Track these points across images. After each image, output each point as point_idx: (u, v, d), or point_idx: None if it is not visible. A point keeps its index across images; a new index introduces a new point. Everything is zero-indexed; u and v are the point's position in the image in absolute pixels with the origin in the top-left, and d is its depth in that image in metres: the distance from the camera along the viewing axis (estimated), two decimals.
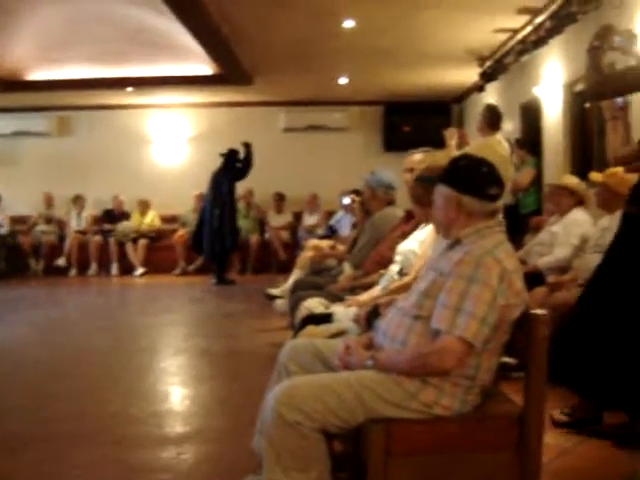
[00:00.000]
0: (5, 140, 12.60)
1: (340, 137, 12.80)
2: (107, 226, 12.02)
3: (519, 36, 7.88)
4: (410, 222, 4.44)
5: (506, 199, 5.82)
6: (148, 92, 11.65)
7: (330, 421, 2.30)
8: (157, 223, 12.37)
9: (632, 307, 3.16)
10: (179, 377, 5.28)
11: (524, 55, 7.95)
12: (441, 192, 2.52)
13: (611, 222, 4.22)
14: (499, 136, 6.54)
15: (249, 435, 2.73)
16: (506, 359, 2.69)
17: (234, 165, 10.39)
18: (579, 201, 5.30)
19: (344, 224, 9.51)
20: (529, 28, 7.49)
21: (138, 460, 3.39)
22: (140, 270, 11.71)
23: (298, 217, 12.41)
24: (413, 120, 12.40)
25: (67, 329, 7.23)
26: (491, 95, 9.93)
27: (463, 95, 12.07)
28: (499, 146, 5.98)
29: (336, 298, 4.32)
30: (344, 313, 3.72)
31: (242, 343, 6.25)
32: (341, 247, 6.80)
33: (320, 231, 10.94)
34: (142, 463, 3.35)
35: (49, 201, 12.41)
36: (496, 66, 8.89)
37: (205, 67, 10.26)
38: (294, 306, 4.58)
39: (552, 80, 7.76)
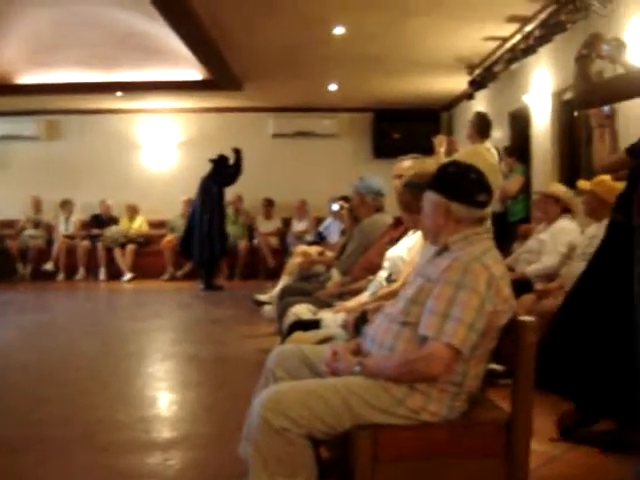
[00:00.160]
0: None
1: (329, 143, 12.80)
2: (95, 231, 11.95)
3: (508, 44, 7.92)
4: (399, 228, 4.45)
5: (495, 207, 5.83)
6: (138, 97, 11.62)
7: (317, 427, 2.29)
8: (145, 228, 12.34)
9: (616, 315, 3.17)
10: (167, 383, 5.26)
11: (513, 63, 7.99)
12: (430, 199, 2.53)
13: (599, 230, 4.22)
14: (488, 144, 6.56)
15: (236, 441, 2.71)
16: (494, 366, 2.69)
17: (223, 171, 10.38)
18: (564, 209, 5.33)
19: (333, 230, 9.50)
20: (518, 36, 7.54)
21: (125, 466, 3.37)
22: (128, 275, 11.66)
23: (287, 223, 12.38)
24: (402, 127, 12.46)
25: (55, 334, 7.18)
26: (480, 103, 9.96)
27: (452, 103, 12.11)
28: (488, 153, 5.98)
29: (324, 304, 4.31)
30: (332, 319, 3.71)
31: (230, 349, 6.24)
32: (330, 253, 6.80)
33: (309, 237, 10.96)
34: (129, 469, 3.34)
35: (37, 205, 12.33)
36: (485, 74, 8.92)
37: (195, 72, 10.26)
38: (282, 312, 4.57)
39: (541, 88, 7.81)
